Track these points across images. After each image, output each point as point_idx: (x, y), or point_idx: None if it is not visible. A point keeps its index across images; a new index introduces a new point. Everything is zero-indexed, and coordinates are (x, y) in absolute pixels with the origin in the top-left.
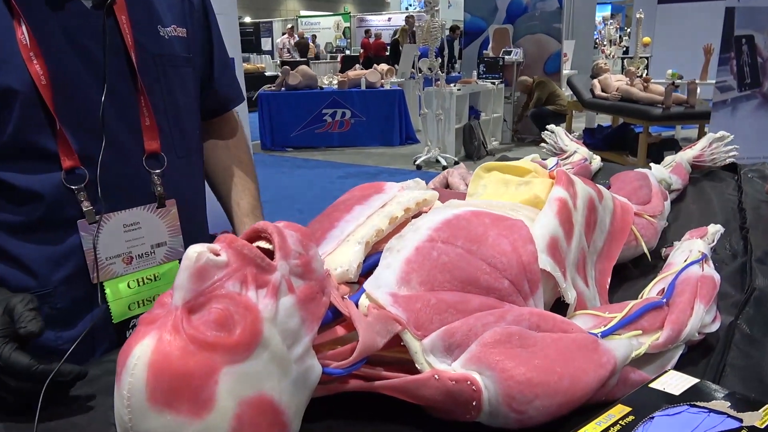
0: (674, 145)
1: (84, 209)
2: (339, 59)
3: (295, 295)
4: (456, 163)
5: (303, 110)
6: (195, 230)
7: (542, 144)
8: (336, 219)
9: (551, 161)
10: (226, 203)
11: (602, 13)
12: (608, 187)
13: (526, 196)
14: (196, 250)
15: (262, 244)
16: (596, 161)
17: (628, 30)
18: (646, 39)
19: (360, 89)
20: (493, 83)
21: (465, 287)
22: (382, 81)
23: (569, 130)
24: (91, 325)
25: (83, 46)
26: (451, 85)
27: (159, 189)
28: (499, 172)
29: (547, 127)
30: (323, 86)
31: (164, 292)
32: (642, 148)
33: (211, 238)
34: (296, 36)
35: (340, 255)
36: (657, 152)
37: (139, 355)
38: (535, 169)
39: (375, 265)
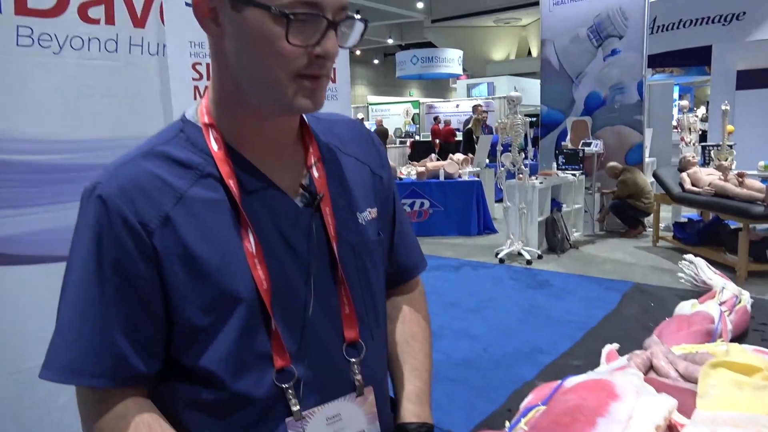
0: None
1: (292, 408)
2: (408, 144)
3: None
4: (539, 257)
5: None
6: (384, 407)
7: (680, 274)
8: None
9: (713, 309)
10: (394, 377)
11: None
12: None
13: None
14: None
15: None
16: (745, 298)
17: (699, 114)
18: (730, 127)
19: (438, 180)
20: (574, 175)
21: None
22: (460, 171)
23: (657, 223)
24: None
25: (293, 245)
26: (533, 177)
27: (358, 378)
28: (727, 369)
29: (685, 257)
30: (402, 177)
31: None
32: (743, 247)
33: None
34: (368, 124)
35: None
36: (759, 250)
37: None
38: (766, 367)
39: None
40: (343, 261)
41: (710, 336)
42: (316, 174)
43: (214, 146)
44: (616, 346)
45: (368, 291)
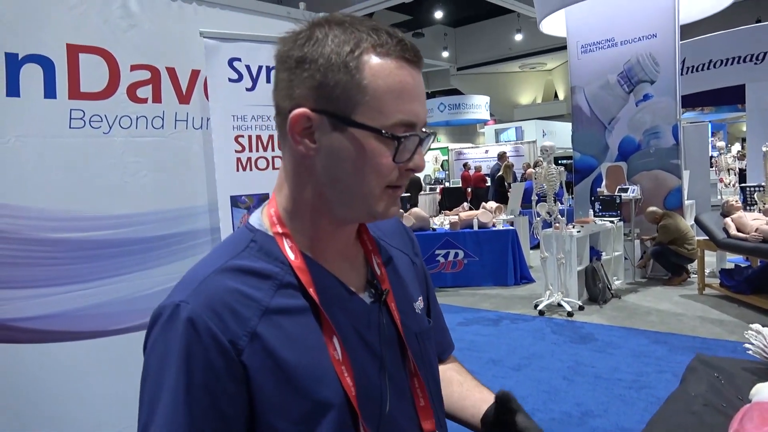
0: None
1: None
2: (438, 190)
3: None
4: (581, 308)
5: None
6: None
7: (746, 345)
8: None
9: None
10: (456, 392)
11: None
12: None
13: None
14: None
15: None
16: None
17: (734, 150)
18: None
19: (473, 230)
20: (612, 222)
21: None
22: (494, 220)
23: (702, 271)
24: None
25: (369, 342)
26: (570, 226)
27: None
28: None
29: (751, 326)
30: (435, 227)
31: None
32: None
33: None
34: None
35: None
36: None
37: None
38: None
39: None
40: (413, 352)
41: None
42: (378, 270)
43: (290, 255)
44: None
45: (432, 378)
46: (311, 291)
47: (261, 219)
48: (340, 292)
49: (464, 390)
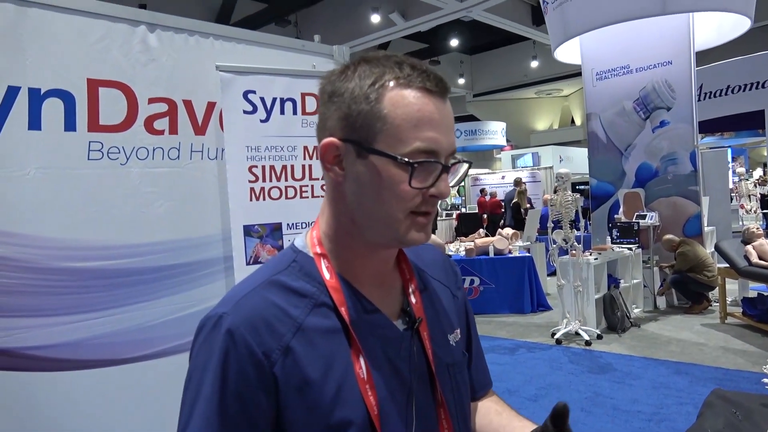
0: None
1: None
2: (455, 216)
3: None
4: (599, 336)
5: None
6: None
7: (765, 380)
8: None
9: None
10: (496, 426)
11: None
12: None
13: None
14: None
15: None
16: None
17: (756, 175)
18: None
19: (488, 257)
20: (630, 249)
21: None
22: (510, 247)
23: (724, 299)
24: None
25: (398, 369)
26: (587, 253)
27: None
28: None
29: None
30: (451, 254)
31: None
32: None
33: None
34: None
35: None
36: None
37: None
38: None
39: None
40: (441, 383)
41: None
42: (413, 299)
43: (326, 275)
44: None
45: (461, 411)
46: (342, 310)
47: (304, 241)
48: (372, 315)
49: (503, 419)
